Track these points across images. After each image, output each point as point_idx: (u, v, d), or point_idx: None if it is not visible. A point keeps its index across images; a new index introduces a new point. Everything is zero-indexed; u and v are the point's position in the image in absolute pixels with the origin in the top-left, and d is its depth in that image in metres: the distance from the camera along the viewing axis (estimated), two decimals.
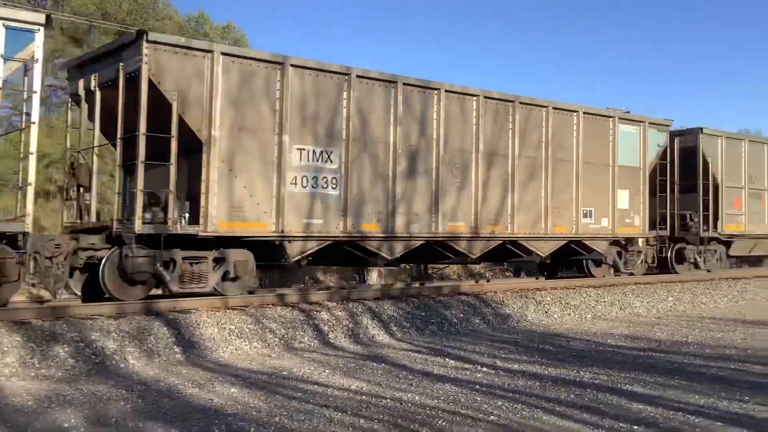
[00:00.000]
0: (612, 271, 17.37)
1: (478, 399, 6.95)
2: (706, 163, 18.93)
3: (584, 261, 17.13)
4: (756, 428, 6.01)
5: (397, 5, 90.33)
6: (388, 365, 8.67)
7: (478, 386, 7.52)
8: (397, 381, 7.77)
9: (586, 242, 15.89)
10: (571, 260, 17.23)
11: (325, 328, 10.48)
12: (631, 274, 17.18)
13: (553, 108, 15.22)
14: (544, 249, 15.22)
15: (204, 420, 6.12)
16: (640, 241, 17.25)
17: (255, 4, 69.53)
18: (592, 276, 17.16)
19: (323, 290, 13.18)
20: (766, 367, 8.76)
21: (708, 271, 19.25)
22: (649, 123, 17.26)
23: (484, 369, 8.49)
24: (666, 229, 18.09)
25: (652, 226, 17.63)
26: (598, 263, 17.14)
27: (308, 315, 10.70)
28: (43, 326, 8.55)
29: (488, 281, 17.50)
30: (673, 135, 18.61)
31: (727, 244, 20.01)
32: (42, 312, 9.22)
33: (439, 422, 6.09)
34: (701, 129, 18.99)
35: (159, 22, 25.51)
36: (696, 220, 18.63)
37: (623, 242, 16.97)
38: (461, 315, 12.14)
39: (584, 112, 15.81)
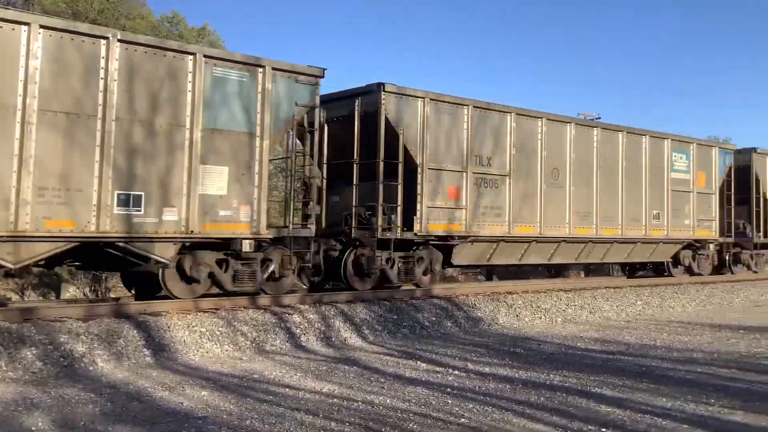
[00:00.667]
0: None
1: (450, 402, 6.99)
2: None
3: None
4: (721, 430, 6.11)
5: (383, 8, 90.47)
6: (360, 368, 8.68)
7: (449, 389, 7.55)
8: (368, 384, 7.77)
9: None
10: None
11: (297, 331, 10.45)
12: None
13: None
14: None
15: (174, 423, 6.07)
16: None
17: (230, 6, 69.14)
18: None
19: (296, 293, 13.10)
20: (731, 370, 8.92)
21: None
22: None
23: (456, 372, 8.53)
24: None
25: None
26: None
27: (280, 318, 10.66)
28: (11, 328, 8.42)
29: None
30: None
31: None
32: (9, 314, 9.08)
33: (411, 425, 6.11)
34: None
35: (131, 22, 25.28)
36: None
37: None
38: (433, 318, 12.18)
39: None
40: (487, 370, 8.72)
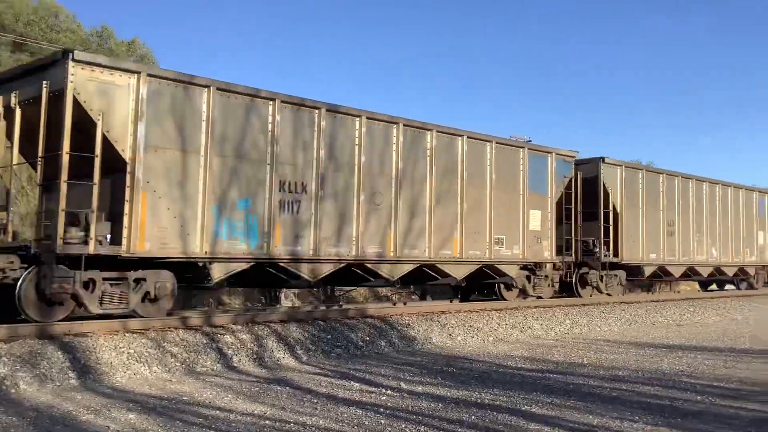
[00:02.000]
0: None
1: (383, 422, 7.00)
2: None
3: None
4: None
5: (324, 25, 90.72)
6: (293, 389, 8.61)
7: (382, 409, 7.56)
8: (301, 405, 7.72)
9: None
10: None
11: (229, 351, 10.31)
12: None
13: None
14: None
15: None
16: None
17: (162, 22, 68.21)
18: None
19: (228, 313, 12.96)
20: (655, 387, 9.20)
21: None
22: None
23: (389, 392, 8.55)
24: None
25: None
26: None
27: (212, 338, 10.50)
28: None
29: (394, 305, 17.79)
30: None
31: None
32: None
33: None
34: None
35: (60, 35, 24.68)
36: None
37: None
38: (367, 338, 12.19)
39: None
40: (420, 389, 8.77)
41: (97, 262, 10.58)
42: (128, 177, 10.67)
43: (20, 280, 10.07)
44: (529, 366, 10.88)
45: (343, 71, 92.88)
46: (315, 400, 7.95)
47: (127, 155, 10.68)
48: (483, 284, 18.10)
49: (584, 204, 19.66)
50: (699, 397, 8.56)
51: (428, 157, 15.20)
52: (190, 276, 11.78)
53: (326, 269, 13.29)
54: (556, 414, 7.50)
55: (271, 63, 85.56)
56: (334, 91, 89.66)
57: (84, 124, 10.32)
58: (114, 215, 10.78)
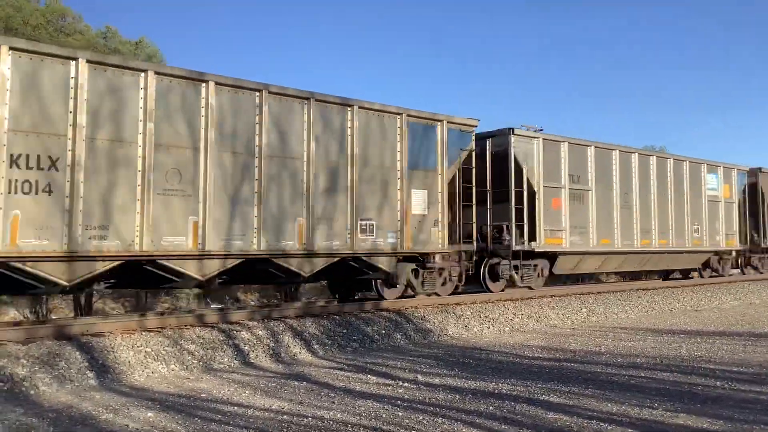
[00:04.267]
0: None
1: (400, 414, 7.00)
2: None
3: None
4: None
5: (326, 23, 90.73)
6: (310, 383, 8.63)
7: (399, 401, 7.56)
8: (318, 399, 7.74)
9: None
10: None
11: (246, 347, 10.35)
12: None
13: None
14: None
15: None
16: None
17: (168, 19, 68.39)
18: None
19: (243, 309, 13.00)
20: (673, 374, 9.15)
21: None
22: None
23: (406, 384, 8.55)
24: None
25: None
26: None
27: (228, 335, 10.54)
28: None
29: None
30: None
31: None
32: None
33: None
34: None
35: (68, 38, 24.79)
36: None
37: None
38: (383, 331, 12.19)
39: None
40: (436, 381, 8.76)
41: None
42: None
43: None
44: (546, 355, 10.85)
45: (353, 66, 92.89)
46: (332, 394, 7.97)
47: None
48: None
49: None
50: (718, 383, 8.50)
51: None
52: None
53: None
54: (575, 403, 7.47)
55: (280, 59, 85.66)
56: (348, 84, 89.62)
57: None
58: None
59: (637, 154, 20.29)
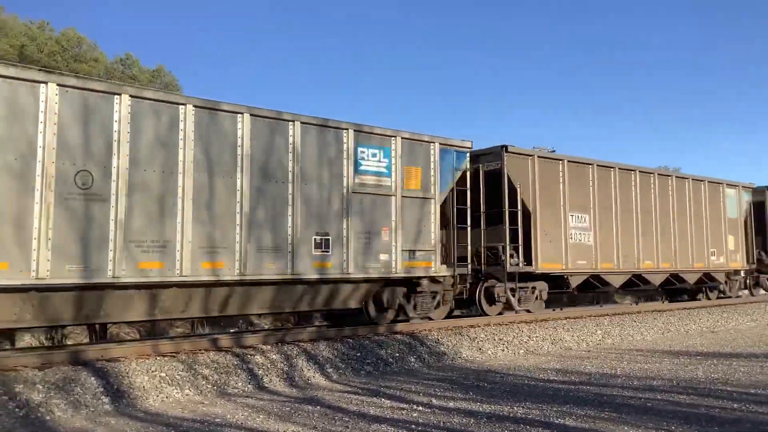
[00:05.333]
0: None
1: None
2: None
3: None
4: None
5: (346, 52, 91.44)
6: (324, 407, 8.61)
7: (413, 425, 7.53)
8: (332, 423, 7.72)
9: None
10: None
11: (260, 372, 10.35)
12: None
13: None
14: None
15: None
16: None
17: (184, 48, 69.18)
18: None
19: (257, 333, 12.99)
20: (690, 396, 9.06)
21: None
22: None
23: (420, 408, 8.51)
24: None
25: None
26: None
27: (242, 359, 10.55)
28: None
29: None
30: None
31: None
32: None
33: None
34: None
35: (83, 65, 25.15)
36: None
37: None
38: (397, 354, 12.16)
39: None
40: (451, 404, 8.72)
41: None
42: None
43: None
44: (561, 378, 10.77)
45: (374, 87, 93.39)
46: (346, 419, 7.94)
47: None
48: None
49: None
50: (736, 405, 8.42)
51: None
52: None
53: None
54: (590, 426, 7.41)
55: (293, 84, 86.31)
56: (368, 107, 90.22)
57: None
58: None
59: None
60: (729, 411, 8.12)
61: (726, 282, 23.20)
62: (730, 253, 22.74)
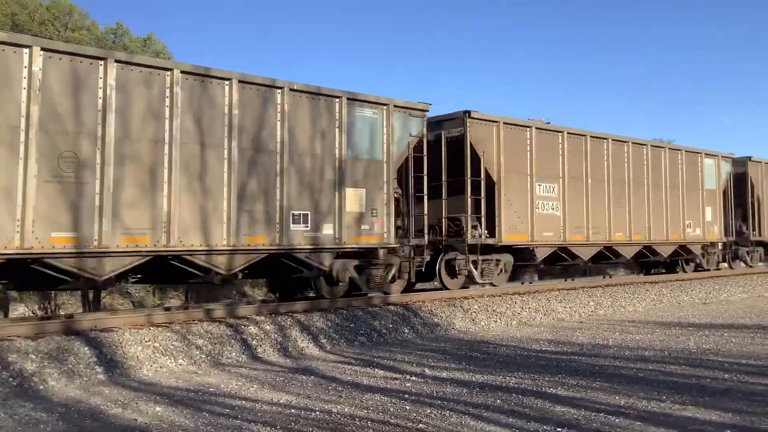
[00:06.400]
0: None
1: (408, 408, 7.00)
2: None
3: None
4: (673, 426, 6.25)
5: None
6: (318, 378, 8.64)
7: (407, 395, 7.57)
8: (326, 393, 7.75)
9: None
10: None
11: (254, 342, 10.37)
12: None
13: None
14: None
15: None
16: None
17: (176, 16, 68.42)
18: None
19: (251, 304, 13.01)
20: (681, 366, 9.13)
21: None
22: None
23: (413, 378, 8.55)
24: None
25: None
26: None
27: (236, 330, 10.56)
28: None
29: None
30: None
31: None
32: None
33: None
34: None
35: (74, 33, 24.86)
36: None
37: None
38: (390, 325, 12.20)
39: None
40: (444, 374, 8.76)
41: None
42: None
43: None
44: (553, 349, 10.83)
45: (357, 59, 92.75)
46: (340, 389, 7.98)
47: None
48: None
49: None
50: (726, 375, 8.49)
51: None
52: None
53: None
54: (582, 396, 7.46)
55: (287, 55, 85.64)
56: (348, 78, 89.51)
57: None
58: None
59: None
60: (720, 381, 8.18)
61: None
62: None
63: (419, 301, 13.88)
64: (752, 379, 8.22)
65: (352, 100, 13.27)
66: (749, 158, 24.30)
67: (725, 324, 13.63)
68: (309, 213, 12.61)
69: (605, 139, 18.78)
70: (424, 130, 14.53)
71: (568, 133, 17.59)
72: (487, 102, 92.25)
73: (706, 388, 7.77)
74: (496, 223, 15.79)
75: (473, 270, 15.75)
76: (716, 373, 8.63)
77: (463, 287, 15.97)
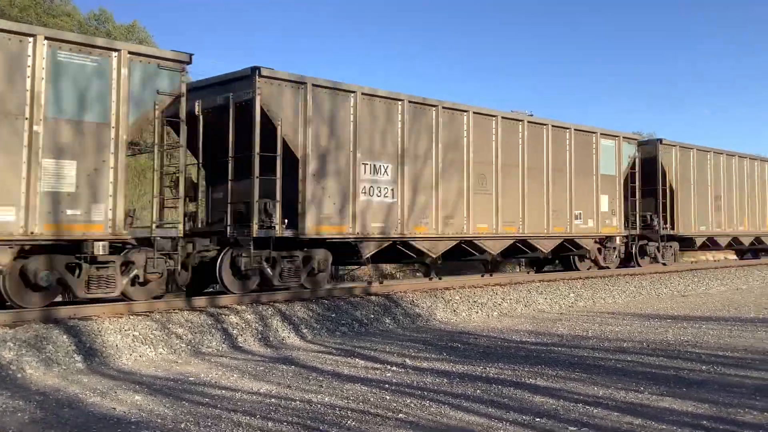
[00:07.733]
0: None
1: (387, 398, 7.02)
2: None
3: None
4: (650, 417, 6.30)
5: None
6: (298, 367, 8.64)
7: (387, 385, 7.59)
8: (306, 383, 7.75)
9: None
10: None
11: (234, 331, 10.34)
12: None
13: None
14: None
15: (106, 429, 5.94)
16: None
17: (160, 4, 67.78)
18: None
19: (232, 293, 12.95)
20: (660, 358, 9.21)
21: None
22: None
23: (394, 368, 8.57)
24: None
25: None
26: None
27: (216, 319, 10.53)
28: None
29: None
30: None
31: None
32: None
33: (349, 422, 6.12)
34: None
35: (56, 20, 24.55)
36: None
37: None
38: (372, 315, 12.21)
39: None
40: (425, 365, 8.79)
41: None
42: None
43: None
44: (533, 340, 10.90)
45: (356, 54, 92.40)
46: (320, 378, 7.98)
47: None
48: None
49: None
50: (704, 367, 8.58)
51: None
52: None
53: None
54: (561, 386, 7.51)
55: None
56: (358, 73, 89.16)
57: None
58: None
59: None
60: (697, 372, 8.27)
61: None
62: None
63: (401, 291, 13.90)
64: (729, 371, 8.32)
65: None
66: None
67: (703, 316, 13.78)
68: None
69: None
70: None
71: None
72: (487, 101, 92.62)
73: (683, 379, 7.85)
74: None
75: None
76: (694, 365, 8.72)
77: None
